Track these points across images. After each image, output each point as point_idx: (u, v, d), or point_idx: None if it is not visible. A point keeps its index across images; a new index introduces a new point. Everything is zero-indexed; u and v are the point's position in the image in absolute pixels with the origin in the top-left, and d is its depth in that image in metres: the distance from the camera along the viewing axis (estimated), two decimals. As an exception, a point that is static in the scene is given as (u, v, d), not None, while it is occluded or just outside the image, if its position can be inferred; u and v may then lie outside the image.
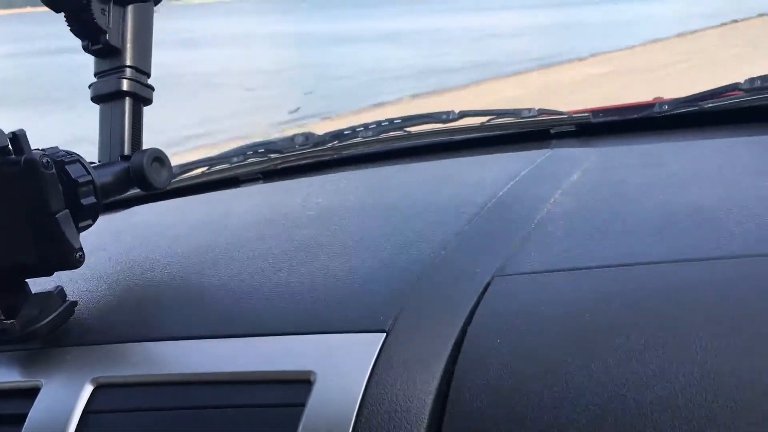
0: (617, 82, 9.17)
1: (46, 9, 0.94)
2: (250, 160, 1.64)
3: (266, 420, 0.73)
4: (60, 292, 0.88)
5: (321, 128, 1.96)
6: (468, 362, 0.71)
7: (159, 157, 0.95)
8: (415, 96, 9.92)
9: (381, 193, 1.23)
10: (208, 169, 1.64)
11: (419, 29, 20.24)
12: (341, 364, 0.73)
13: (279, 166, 1.60)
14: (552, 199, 1.00)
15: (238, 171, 1.60)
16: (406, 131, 1.60)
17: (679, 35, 13.81)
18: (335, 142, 1.61)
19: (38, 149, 0.82)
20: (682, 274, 0.76)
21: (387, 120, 1.65)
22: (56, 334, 0.86)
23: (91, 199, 0.85)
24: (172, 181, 1.63)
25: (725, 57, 10.16)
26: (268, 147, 1.66)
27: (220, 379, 0.77)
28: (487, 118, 1.57)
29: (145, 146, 0.99)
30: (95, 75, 1.00)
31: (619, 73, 10.09)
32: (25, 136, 0.79)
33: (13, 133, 0.79)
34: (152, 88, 1.01)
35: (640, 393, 0.64)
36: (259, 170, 1.61)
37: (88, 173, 0.85)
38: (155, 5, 1.01)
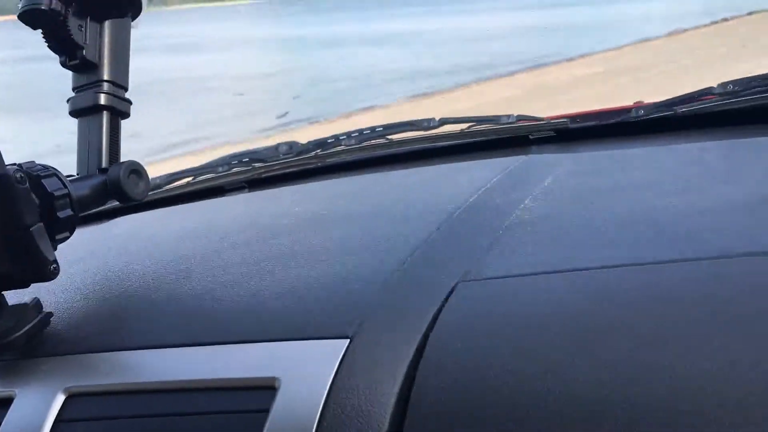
0: (606, 83, 9.20)
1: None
2: (235, 170, 1.66)
3: (231, 427, 0.75)
4: (36, 304, 0.89)
5: (309, 132, 1.98)
6: (429, 366, 0.72)
7: (136, 170, 0.97)
8: (405, 99, 9.93)
9: (357, 201, 1.25)
10: (193, 178, 1.66)
11: (410, 31, 20.26)
12: (305, 371, 0.75)
13: (263, 175, 1.62)
14: (522, 205, 1.02)
15: (223, 180, 1.62)
16: (387, 139, 1.62)
17: (670, 35, 13.84)
18: (318, 151, 1.64)
19: (14, 164, 0.84)
20: (644, 277, 0.78)
21: (369, 128, 1.67)
22: (32, 344, 0.88)
23: (68, 212, 0.87)
24: (158, 191, 1.66)
25: (714, 56, 10.20)
26: (253, 156, 1.69)
27: (187, 386, 0.79)
28: (468, 125, 1.59)
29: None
30: (73, 90, 1.01)
31: (607, 74, 10.11)
32: None
33: None
34: (130, 102, 1.03)
35: (595, 393, 0.65)
36: (244, 179, 1.63)
37: (65, 186, 0.87)
38: (133, 20, 1.03)
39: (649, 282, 0.77)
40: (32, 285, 0.88)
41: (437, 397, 0.70)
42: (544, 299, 0.78)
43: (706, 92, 1.42)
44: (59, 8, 0.94)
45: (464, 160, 1.45)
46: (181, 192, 1.62)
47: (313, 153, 1.63)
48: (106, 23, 0.99)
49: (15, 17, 0.95)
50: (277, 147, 1.69)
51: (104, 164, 0.99)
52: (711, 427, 0.61)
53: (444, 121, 1.60)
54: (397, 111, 8.74)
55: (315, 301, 0.86)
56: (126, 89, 1.02)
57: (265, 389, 0.75)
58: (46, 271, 0.84)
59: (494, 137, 1.54)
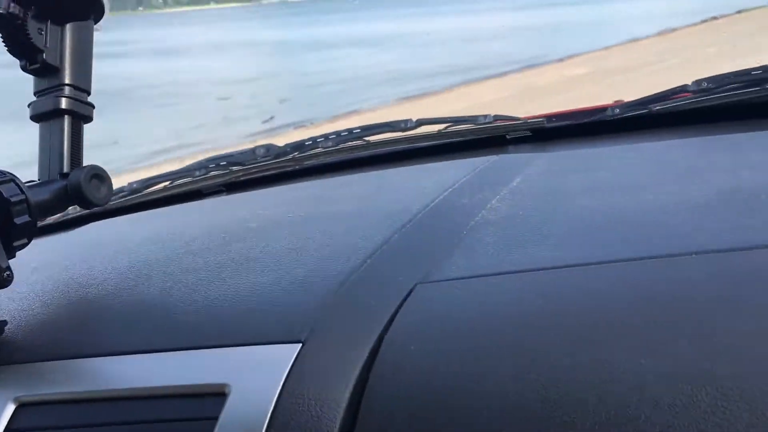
0: (596, 84, 9.21)
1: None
2: (213, 173, 1.64)
3: None
4: None
5: (295, 137, 1.97)
6: (382, 370, 0.71)
7: (98, 174, 0.95)
8: (393, 102, 9.92)
9: (325, 203, 1.24)
10: (171, 183, 1.65)
11: (398, 33, 20.27)
12: (256, 376, 0.74)
13: (241, 179, 1.62)
14: (488, 205, 1.01)
15: (201, 184, 1.61)
16: (365, 140, 1.61)
17: (659, 34, 13.87)
18: (296, 153, 1.63)
19: None
20: (605, 276, 0.77)
21: (347, 130, 1.66)
22: None
23: (25, 218, 0.86)
24: (135, 195, 1.65)
25: (704, 56, 10.21)
26: (230, 160, 1.68)
27: (138, 394, 0.77)
28: (445, 125, 1.58)
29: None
30: (35, 94, 1.00)
31: (595, 74, 10.13)
32: None
33: None
34: (92, 106, 1.01)
35: (550, 394, 0.64)
36: (222, 183, 1.62)
37: (22, 192, 0.86)
38: (96, 23, 1.01)
39: (600, 281, 0.76)
40: None
41: (388, 402, 0.68)
42: (501, 300, 0.77)
43: (681, 90, 1.41)
44: (18, 12, 0.93)
45: (441, 161, 1.45)
46: (159, 196, 1.61)
47: (290, 156, 1.62)
48: (67, 27, 0.98)
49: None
50: (254, 150, 1.68)
51: (66, 169, 0.97)
52: (648, 426, 0.60)
53: (421, 122, 1.60)
54: (385, 114, 8.73)
55: (269, 306, 0.84)
56: (88, 93, 1.00)
57: (216, 396, 0.73)
58: None
59: (471, 137, 1.53)
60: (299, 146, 1.64)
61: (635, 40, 13.53)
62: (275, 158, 1.63)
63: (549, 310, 0.73)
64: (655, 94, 1.43)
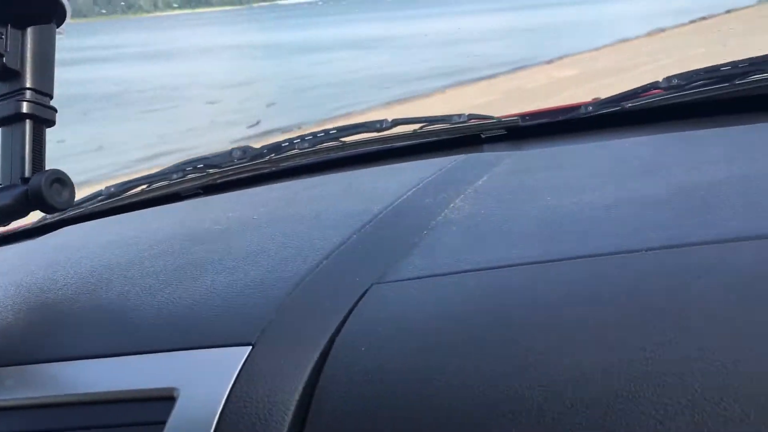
0: (584, 85, 9.22)
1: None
2: (190, 176, 1.64)
3: None
4: None
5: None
6: (332, 371, 0.71)
7: (60, 178, 0.94)
8: (381, 105, 9.91)
9: (295, 205, 1.23)
10: (147, 186, 1.65)
11: (388, 36, 20.28)
12: (205, 380, 0.73)
13: (218, 181, 1.61)
14: (452, 205, 1.01)
15: (178, 187, 1.61)
16: (341, 141, 1.61)
17: (649, 34, 13.89)
18: (272, 155, 1.63)
19: None
20: (558, 273, 0.77)
21: (323, 131, 1.66)
22: None
23: None
24: (112, 200, 1.64)
25: (694, 56, 10.23)
26: (207, 162, 1.67)
27: (87, 399, 0.77)
28: (420, 125, 1.58)
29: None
30: None
31: (585, 76, 10.14)
32: None
33: None
34: (55, 110, 1.00)
35: (500, 390, 0.64)
36: (199, 185, 1.62)
37: None
38: (58, 27, 1.01)
39: (553, 279, 0.76)
40: None
41: (337, 403, 0.68)
42: (456, 299, 0.77)
43: (653, 86, 1.42)
44: None
45: (415, 161, 1.45)
46: (136, 200, 1.60)
47: (267, 157, 1.62)
48: (29, 30, 0.97)
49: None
50: (231, 152, 1.67)
51: (27, 174, 0.96)
52: (588, 422, 0.60)
53: (397, 122, 1.59)
54: (374, 117, 8.70)
55: (223, 309, 0.84)
56: (51, 97, 1.00)
57: (164, 400, 0.73)
58: None
59: (446, 137, 1.53)
60: (276, 148, 1.64)
61: (625, 40, 13.55)
62: (251, 160, 1.62)
63: (500, 308, 0.73)
64: (627, 92, 1.44)
